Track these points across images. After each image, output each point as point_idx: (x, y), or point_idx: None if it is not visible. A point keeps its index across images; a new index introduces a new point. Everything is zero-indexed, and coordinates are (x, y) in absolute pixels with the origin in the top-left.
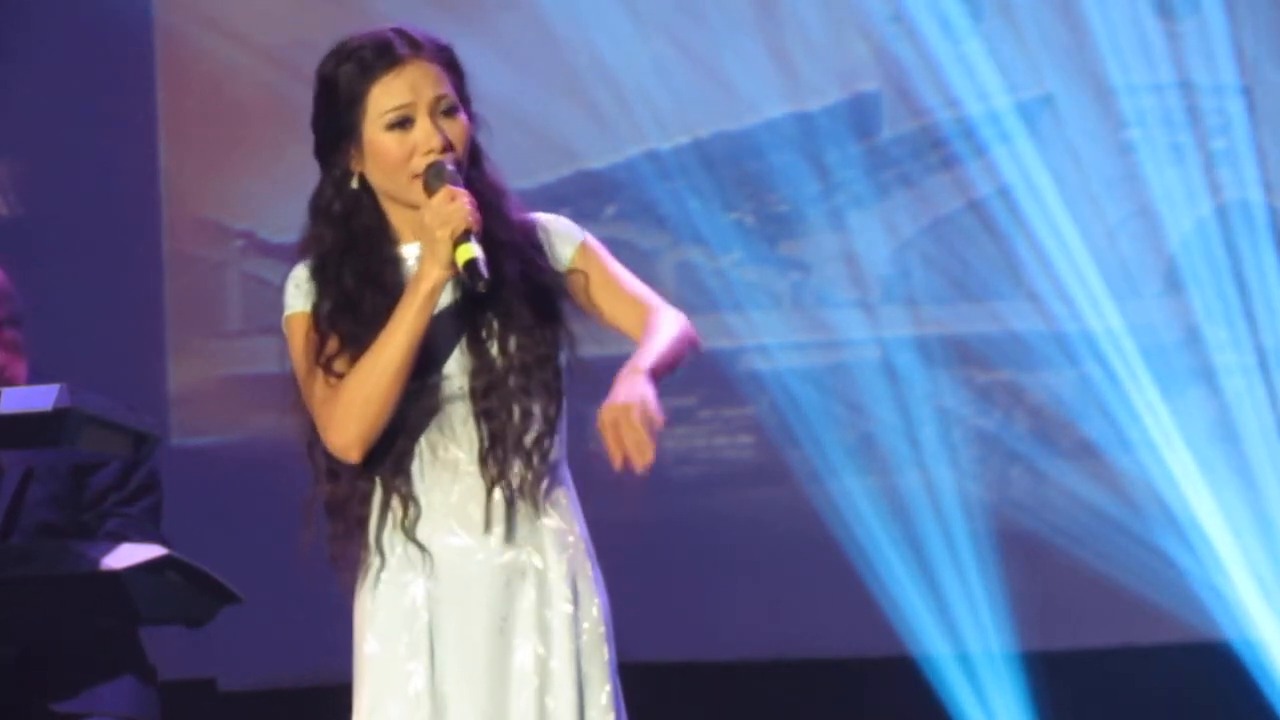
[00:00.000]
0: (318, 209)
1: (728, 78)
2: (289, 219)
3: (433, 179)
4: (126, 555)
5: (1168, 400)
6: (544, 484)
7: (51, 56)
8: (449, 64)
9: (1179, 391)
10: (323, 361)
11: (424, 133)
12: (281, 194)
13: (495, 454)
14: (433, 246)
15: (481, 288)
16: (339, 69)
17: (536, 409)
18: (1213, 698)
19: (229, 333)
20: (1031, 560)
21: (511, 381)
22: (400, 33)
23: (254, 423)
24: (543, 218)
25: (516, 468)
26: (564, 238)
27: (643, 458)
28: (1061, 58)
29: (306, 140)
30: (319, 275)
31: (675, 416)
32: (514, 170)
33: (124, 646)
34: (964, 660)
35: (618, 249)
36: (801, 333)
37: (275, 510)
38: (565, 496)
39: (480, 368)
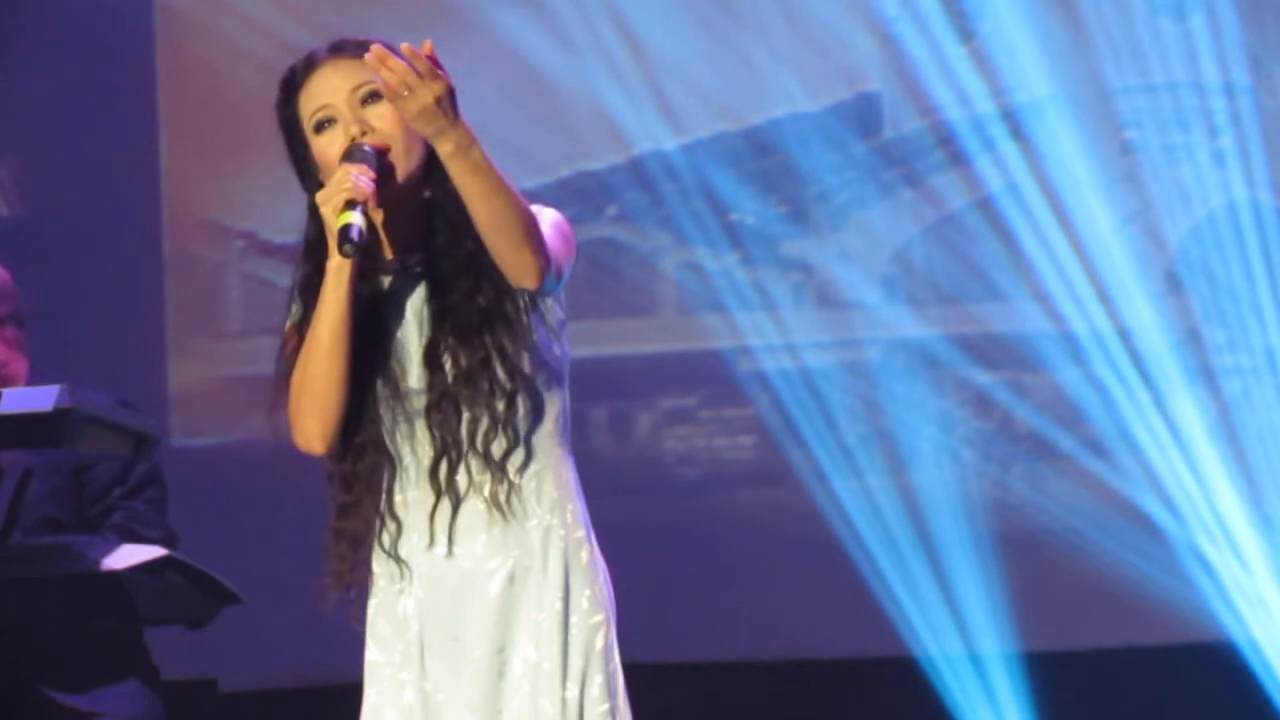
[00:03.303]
0: (302, 241)
1: (729, 78)
2: (289, 219)
3: (343, 161)
4: (127, 555)
5: (1168, 401)
6: (509, 486)
7: (51, 56)
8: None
9: (1180, 392)
10: (289, 368)
11: (344, 124)
12: (282, 194)
13: (446, 463)
14: (327, 226)
15: (348, 253)
16: (279, 98)
17: (485, 413)
18: (1213, 698)
19: (229, 333)
20: (1031, 560)
21: (461, 391)
22: (332, 41)
23: (254, 423)
24: None
25: (474, 476)
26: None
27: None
28: (1062, 58)
29: None
30: (300, 296)
31: (675, 417)
32: (514, 170)
33: (128, 648)
34: (964, 660)
35: (618, 249)
36: (802, 333)
37: (275, 510)
38: (555, 488)
39: (434, 381)
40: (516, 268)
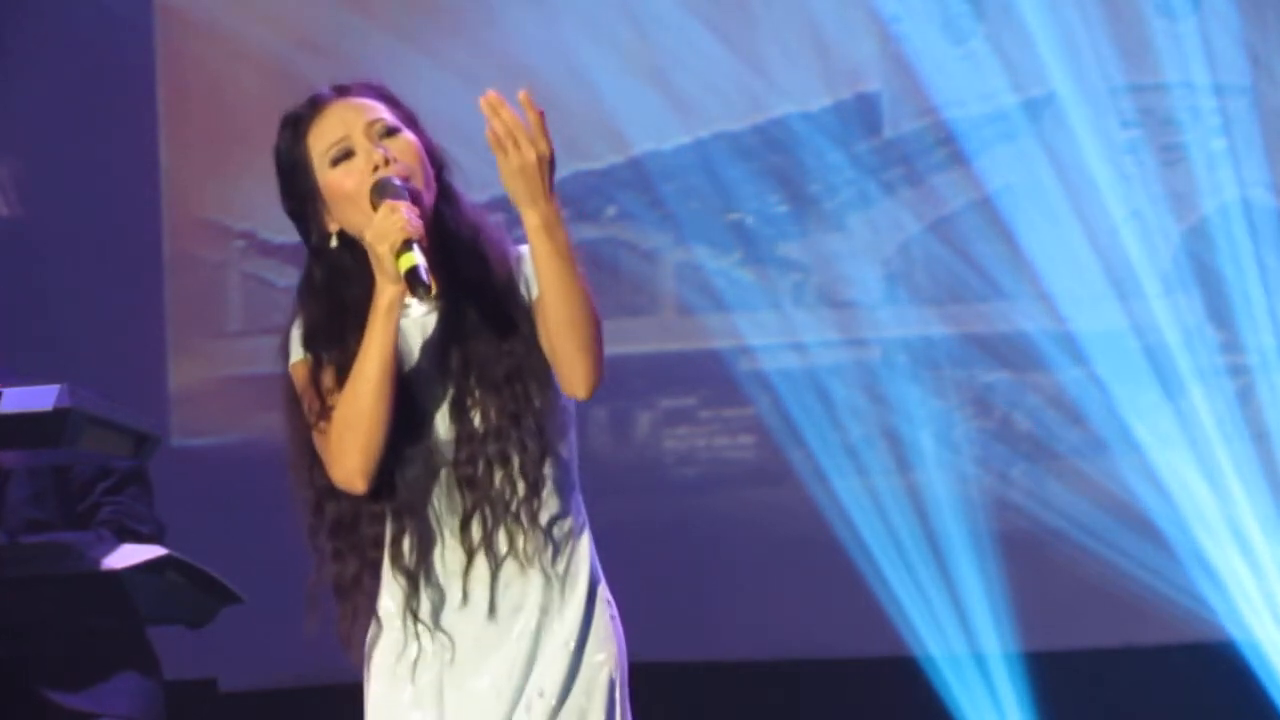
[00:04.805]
0: (303, 287)
1: (729, 78)
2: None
3: (375, 196)
4: (127, 555)
5: (1168, 400)
6: (543, 540)
7: (51, 56)
8: (383, 96)
9: (1179, 391)
10: (321, 404)
11: (365, 153)
12: None
13: (478, 520)
14: (380, 264)
15: (422, 295)
16: (280, 140)
17: (517, 469)
18: (1213, 698)
19: (229, 333)
20: (1031, 560)
21: (490, 447)
22: (332, 85)
23: (254, 423)
24: (525, 250)
25: (507, 533)
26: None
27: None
28: (1062, 57)
29: None
30: (312, 341)
31: (675, 417)
32: None
33: (128, 647)
34: (964, 660)
35: (618, 249)
36: (802, 333)
37: (275, 510)
38: (572, 528)
39: (462, 435)
40: (572, 372)
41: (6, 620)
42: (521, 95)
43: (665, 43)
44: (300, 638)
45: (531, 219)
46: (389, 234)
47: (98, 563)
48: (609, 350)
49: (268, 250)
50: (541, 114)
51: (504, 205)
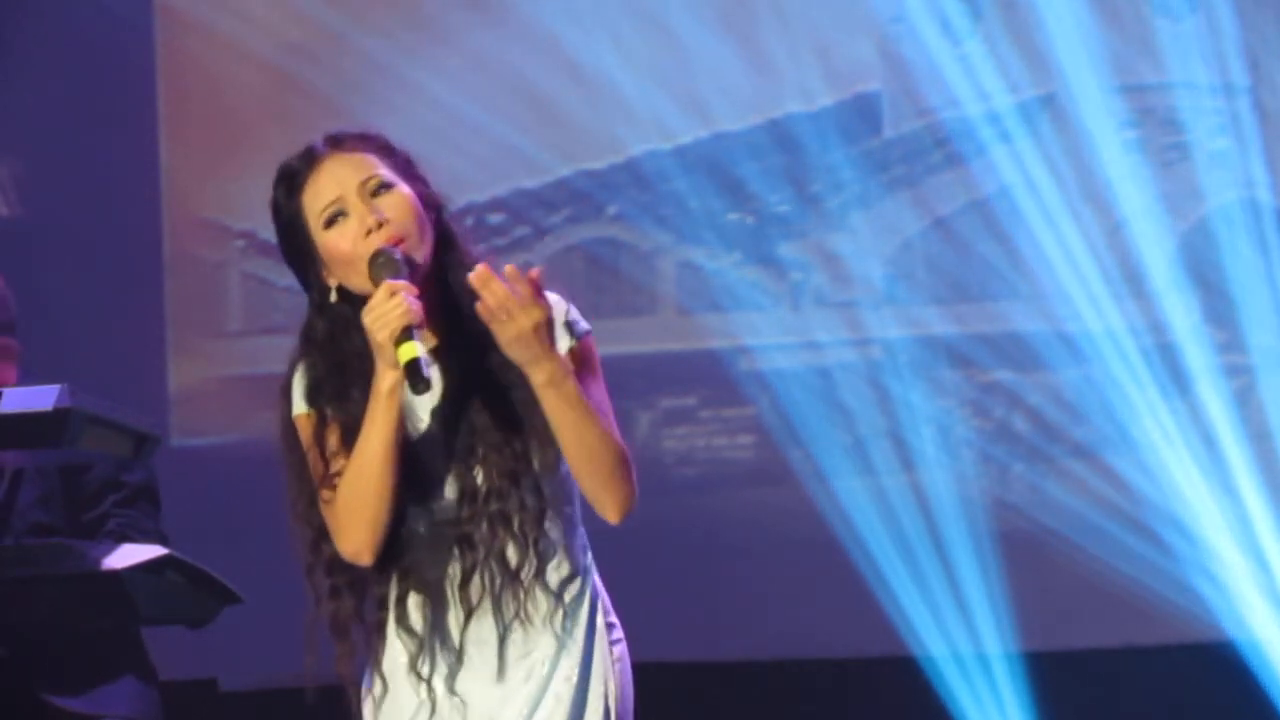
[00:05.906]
0: (306, 338)
1: (729, 78)
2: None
3: (375, 272)
4: (127, 555)
5: (1167, 400)
6: (545, 596)
7: (51, 56)
8: (379, 148)
9: (1179, 391)
10: (327, 468)
11: (358, 216)
12: None
13: (479, 579)
14: (380, 350)
15: (420, 390)
16: (276, 195)
17: (517, 528)
18: (1213, 698)
19: (229, 333)
20: (1031, 560)
21: (492, 506)
22: (326, 135)
23: (254, 423)
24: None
25: (510, 591)
26: (561, 329)
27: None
28: (1062, 57)
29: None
30: (316, 395)
31: (675, 417)
32: (515, 170)
33: (126, 647)
34: (964, 660)
35: (618, 249)
36: (802, 333)
37: (275, 510)
38: (577, 570)
39: (465, 493)
40: (600, 503)
41: (6, 620)
42: (509, 269)
43: (666, 42)
44: (300, 637)
45: (537, 378)
46: (389, 321)
47: (98, 563)
48: (609, 350)
49: (268, 250)
50: (533, 280)
51: (503, 205)
